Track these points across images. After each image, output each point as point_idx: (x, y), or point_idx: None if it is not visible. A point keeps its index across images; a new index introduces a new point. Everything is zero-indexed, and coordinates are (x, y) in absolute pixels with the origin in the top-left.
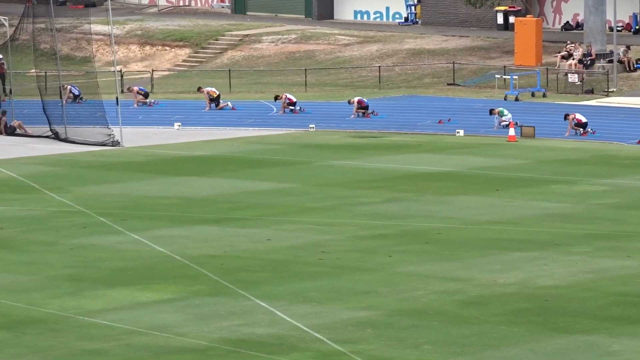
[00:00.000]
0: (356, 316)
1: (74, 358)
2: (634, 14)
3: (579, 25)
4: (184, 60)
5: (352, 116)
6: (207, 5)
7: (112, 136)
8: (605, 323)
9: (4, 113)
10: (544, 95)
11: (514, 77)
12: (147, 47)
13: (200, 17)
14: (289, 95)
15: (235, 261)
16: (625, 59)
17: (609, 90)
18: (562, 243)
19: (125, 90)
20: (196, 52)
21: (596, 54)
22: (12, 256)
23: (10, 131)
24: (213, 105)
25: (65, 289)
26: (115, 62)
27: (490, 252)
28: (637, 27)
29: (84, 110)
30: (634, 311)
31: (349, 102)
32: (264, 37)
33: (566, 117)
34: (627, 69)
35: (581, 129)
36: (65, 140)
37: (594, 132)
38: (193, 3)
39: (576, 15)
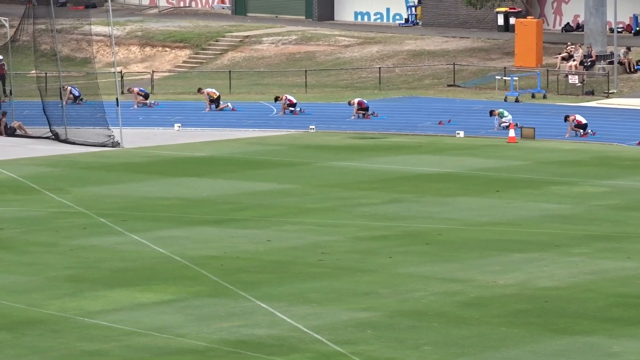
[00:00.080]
0: (356, 317)
1: (74, 359)
2: (634, 15)
3: (579, 27)
4: (184, 62)
5: (353, 117)
6: (207, 7)
7: (112, 137)
8: (606, 324)
9: (4, 114)
10: (544, 97)
11: (514, 78)
12: (148, 48)
13: (201, 18)
14: (289, 97)
15: (235, 262)
16: (626, 60)
17: (610, 91)
18: (562, 244)
19: (125, 91)
20: (196, 53)
21: (596, 56)
22: (12, 257)
23: (11, 132)
24: (213, 106)
25: (65, 289)
26: (115, 63)
27: (490, 253)
28: (637, 29)
29: (84, 111)
30: (634, 312)
31: (349, 104)
32: (264, 38)
33: (566, 118)
34: (628, 70)
35: (581, 130)
36: (66, 141)
37: (594, 134)
38: (193, 4)
39: (577, 16)
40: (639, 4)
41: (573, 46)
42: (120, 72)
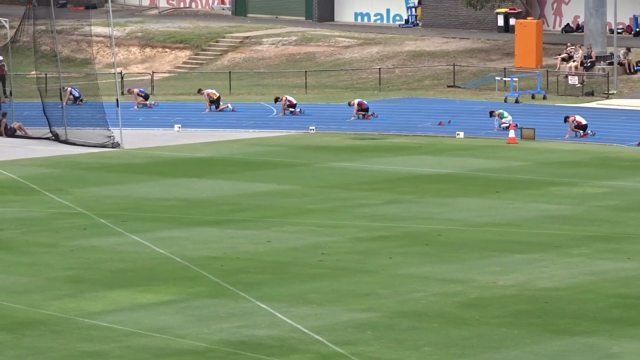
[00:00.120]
0: (356, 318)
1: (74, 359)
2: (634, 16)
3: (579, 28)
4: (184, 62)
5: (353, 118)
6: (207, 7)
7: (112, 138)
8: (605, 325)
9: (4, 115)
10: (544, 98)
11: (514, 79)
12: (148, 49)
13: (201, 19)
14: (289, 97)
15: (235, 263)
16: (626, 61)
17: (609, 92)
18: (562, 245)
19: (125, 92)
20: (196, 54)
21: (596, 56)
22: (12, 257)
23: (11, 133)
24: (213, 107)
25: (65, 290)
26: (115, 64)
27: (490, 254)
28: (637, 30)
29: (84, 112)
30: (634, 313)
31: (349, 104)
32: (264, 39)
33: (566, 119)
34: (628, 71)
35: (581, 131)
36: (66, 142)
37: (594, 134)
38: (193, 5)
39: (576, 17)
40: (639, 5)
41: (573, 47)
42: (121, 73)
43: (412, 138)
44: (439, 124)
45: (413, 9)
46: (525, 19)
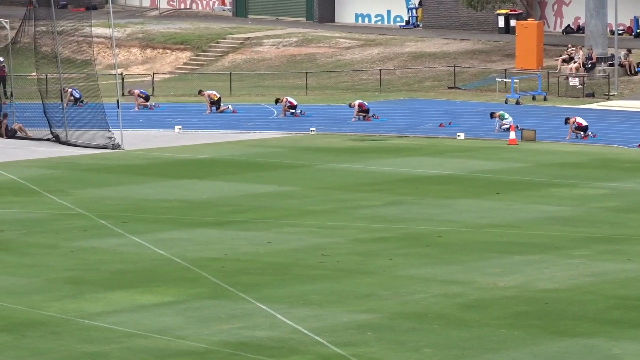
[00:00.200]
0: (357, 319)
1: None
2: (635, 17)
3: (580, 29)
4: (185, 63)
5: (353, 119)
6: (208, 8)
7: (112, 139)
8: (606, 326)
9: (5, 116)
10: (545, 99)
11: (515, 80)
12: (148, 50)
13: (202, 20)
14: (289, 99)
15: (235, 264)
16: (626, 62)
17: (610, 93)
18: (562, 246)
19: (126, 93)
20: (197, 55)
21: (597, 58)
22: (13, 259)
23: (11, 134)
24: (214, 108)
25: (65, 291)
26: (116, 65)
27: (490, 256)
28: (638, 31)
29: (85, 113)
30: (634, 314)
31: (350, 106)
32: (265, 40)
33: (567, 120)
34: (628, 72)
35: (582, 133)
36: (66, 143)
37: (594, 136)
38: (194, 6)
39: (577, 18)
40: None
41: (574, 48)
42: (121, 74)
43: (412, 139)
44: (440, 125)
45: (414, 10)
46: (526, 20)
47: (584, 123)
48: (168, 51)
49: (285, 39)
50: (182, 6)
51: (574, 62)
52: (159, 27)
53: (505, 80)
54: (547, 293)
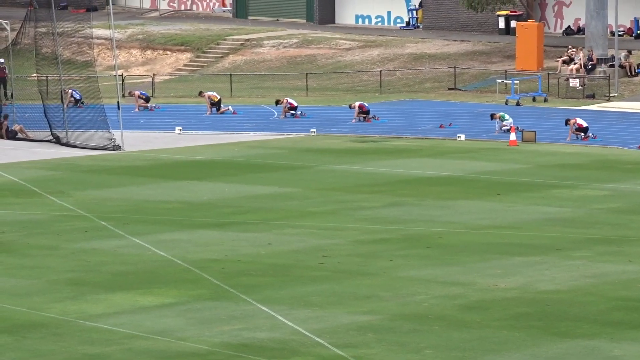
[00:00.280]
0: (357, 320)
1: None
2: (635, 18)
3: (580, 30)
4: (185, 65)
5: (353, 121)
6: (208, 10)
7: (113, 140)
8: (607, 328)
9: (5, 117)
10: (545, 100)
11: (515, 81)
12: (149, 52)
13: (202, 21)
14: (290, 100)
15: (236, 265)
16: (627, 63)
17: (610, 95)
18: (563, 247)
19: (126, 94)
20: (197, 57)
21: (597, 59)
22: (14, 260)
23: (12, 135)
24: (214, 109)
25: (66, 293)
26: (116, 66)
27: (491, 257)
28: (638, 32)
29: (85, 115)
30: (635, 316)
31: (350, 107)
32: (265, 42)
33: (567, 122)
34: (629, 73)
35: (582, 134)
36: (67, 145)
37: (595, 137)
38: (194, 7)
39: (577, 19)
40: None
41: (574, 49)
42: (121, 75)
43: (413, 141)
44: (440, 126)
45: (414, 12)
46: (526, 21)
47: (585, 124)
48: (168, 52)
49: (286, 40)
50: (183, 7)
51: (575, 64)
52: (159, 29)
53: (505, 81)
54: (548, 294)
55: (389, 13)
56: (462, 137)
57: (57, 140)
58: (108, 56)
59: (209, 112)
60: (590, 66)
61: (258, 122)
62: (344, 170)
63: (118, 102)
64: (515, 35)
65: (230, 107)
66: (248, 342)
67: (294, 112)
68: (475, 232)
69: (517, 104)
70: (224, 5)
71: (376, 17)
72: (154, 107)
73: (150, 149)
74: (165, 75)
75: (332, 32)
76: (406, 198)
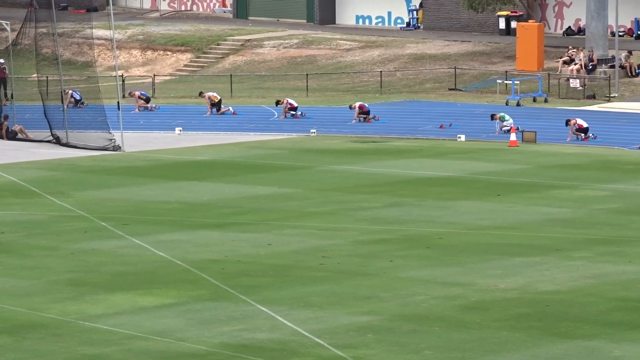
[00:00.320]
0: (357, 321)
1: None
2: (635, 19)
3: (580, 31)
4: (186, 65)
5: (354, 121)
6: (208, 10)
7: (113, 141)
8: (607, 328)
9: (6, 117)
10: (546, 101)
11: (516, 82)
12: (149, 52)
13: (202, 21)
14: (290, 100)
15: (236, 266)
16: (627, 64)
17: (611, 95)
18: (563, 248)
19: (126, 95)
20: (198, 57)
21: (598, 59)
22: (13, 261)
23: (12, 136)
24: (214, 110)
25: (66, 293)
26: (116, 66)
27: (491, 257)
28: (638, 32)
29: (85, 115)
30: (636, 316)
31: (351, 107)
32: (265, 42)
33: (567, 122)
34: (629, 74)
35: (582, 134)
36: (67, 145)
37: (595, 138)
38: (195, 8)
39: (578, 20)
40: None
41: (574, 50)
42: (122, 75)
43: (413, 141)
44: (440, 127)
45: (414, 12)
46: (527, 21)
47: (585, 125)
48: (169, 53)
49: (286, 41)
50: (183, 8)
51: (575, 64)
52: (159, 29)
53: (506, 82)
54: (548, 295)
55: (389, 13)
56: (463, 137)
57: (57, 141)
58: (108, 57)
59: (209, 113)
60: (590, 67)
61: (258, 123)
62: (344, 170)
63: (118, 103)
64: (515, 35)
65: (230, 108)
66: (248, 342)
67: (294, 112)
68: (475, 232)
69: (518, 104)
70: (224, 5)
71: (376, 18)
72: (154, 107)
73: (150, 150)
74: (166, 75)
75: (333, 32)
76: (406, 198)
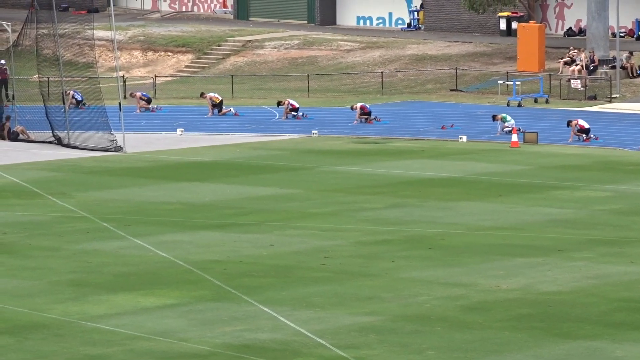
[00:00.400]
0: (359, 321)
1: None
2: (636, 19)
3: (581, 31)
4: (187, 66)
5: (355, 122)
6: (209, 11)
7: (114, 142)
8: (609, 329)
9: (7, 118)
10: (547, 101)
11: (517, 83)
12: (150, 53)
13: (203, 22)
14: (291, 101)
15: (238, 266)
16: (628, 64)
17: (612, 96)
18: (565, 249)
19: (128, 95)
20: (199, 58)
21: (599, 60)
22: (15, 261)
23: (14, 137)
24: (216, 110)
25: (68, 294)
26: (117, 67)
27: (493, 258)
28: (639, 33)
29: (86, 116)
30: (637, 317)
31: (352, 108)
32: (266, 43)
33: (569, 123)
34: (630, 74)
35: (584, 135)
36: (68, 146)
37: (596, 138)
38: (196, 9)
39: (579, 21)
40: None
41: (575, 51)
42: (123, 76)
43: (414, 142)
44: (442, 127)
45: (415, 13)
46: (528, 22)
47: (586, 125)
48: (170, 54)
49: (287, 42)
50: (184, 9)
51: (576, 65)
52: (160, 30)
53: (507, 82)
54: (550, 295)
55: (390, 14)
56: (464, 138)
57: (59, 142)
58: (109, 57)
59: (210, 114)
60: (591, 67)
61: (259, 124)
62: (346, 171)
63: (119, 104)
64: (516, 36)
65: (231, 109)
66: (250, 343)
67: (295, 113)
68: (477, 233)
69: (519, 105)
70: (225, 6)
71: (377, 19)
72: (156, 108)
73: (151, 150)
74: (167, 76)
75: (334, 33)
76: (408, 199)
